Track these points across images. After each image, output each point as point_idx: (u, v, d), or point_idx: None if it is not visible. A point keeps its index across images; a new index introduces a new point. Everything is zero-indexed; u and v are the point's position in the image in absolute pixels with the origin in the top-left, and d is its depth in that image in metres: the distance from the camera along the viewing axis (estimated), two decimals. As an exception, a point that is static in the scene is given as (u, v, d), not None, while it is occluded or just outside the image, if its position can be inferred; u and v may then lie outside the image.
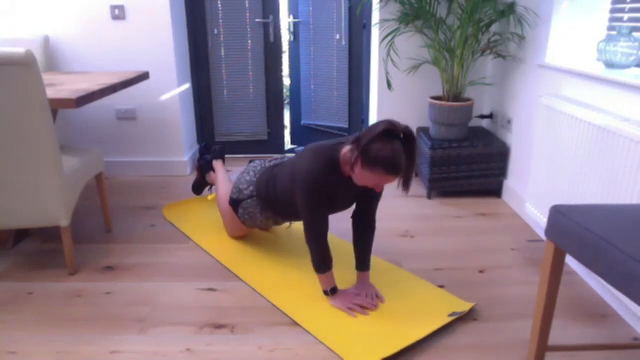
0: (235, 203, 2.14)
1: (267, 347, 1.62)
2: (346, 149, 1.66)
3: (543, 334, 1.34)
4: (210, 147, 2.79)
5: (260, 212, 2.08)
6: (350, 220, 1.93)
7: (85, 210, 2.74)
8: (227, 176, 2.48)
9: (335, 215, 2.58)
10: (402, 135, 1.54)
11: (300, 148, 4.08)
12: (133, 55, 3.06)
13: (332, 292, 1.81)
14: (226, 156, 3.72)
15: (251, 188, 2.08)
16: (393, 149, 1.52)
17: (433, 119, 2.83)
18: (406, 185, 1.60)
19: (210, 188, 2.76)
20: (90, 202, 2.84)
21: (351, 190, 1.80)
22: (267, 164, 2.14)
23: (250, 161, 2.26)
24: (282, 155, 2.18)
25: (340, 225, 2.50)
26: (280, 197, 1.94)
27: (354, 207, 1.93)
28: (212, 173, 2.63)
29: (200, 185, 2.73)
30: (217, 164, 2.60)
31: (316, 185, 1.67)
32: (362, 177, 1.61)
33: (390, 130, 1.53)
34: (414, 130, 3.25)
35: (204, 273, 2.08)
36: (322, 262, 1.77)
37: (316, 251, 1.76)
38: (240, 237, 2.36)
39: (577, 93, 2.12)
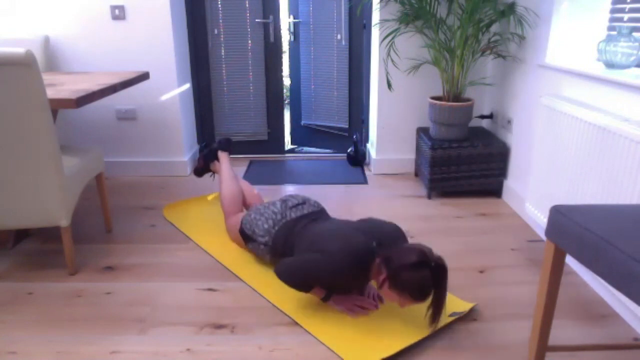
0: (246, 237, 2.08)
1: (267, 347, 1.62)
2: (377, 261, 1.65)
3: (543, 334, 1.34)
4: (210, 147, 2.78)
5: (269, 258, 2.04)
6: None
7: (85, 210, 2.74)
8: (233, 171, 2.44)
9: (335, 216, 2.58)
10: (433, 264, 1.55)
11: (301, 148, 4.08)
12: (133, 55, 3.06)
13: (327, 297, 1.81)
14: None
15: (267, 238, 1.99)
16: (423, 279, 1.54)
17: (433, 119, 2.83)
18: (434, 318, 1.59)
19: (213, 175, 2.71)
20: (90, 202, 2.84)
21: (359, 286, 1.81)
22: (288, 213, 2.01)
23: (268, 204, 2.11)
24: (302, 200, 2.07)
25: (340, 225, 2.50)
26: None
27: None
28: (216, 162, 2.59)
29: (203, 171, 2.68)
30: (223, 156, 2.56)
31: (327, 274, 1.67)
32: (388, 294, 1.62)
33: (422, 261, 1.54)
34: (414, 130, 3.25)
35: (204, 273, 2.08)
36: (302, 288, 1.76)
37: (291, 286, 1.75)
38: None
39: (577, 93, 2.12)
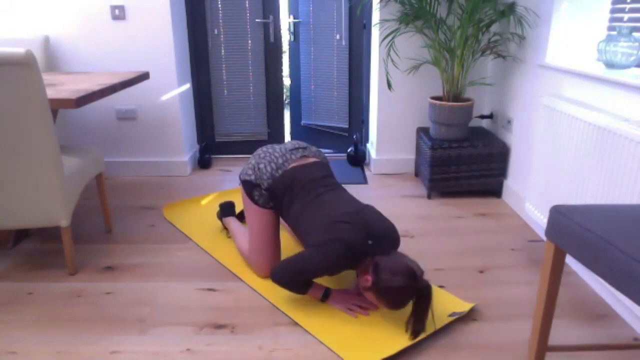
0: (249, 185, 1.96)
1: (267, 347, 1.62)
2: (367, 260, 1.68)
3: (543, 334, 1.34)
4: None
5: (270, 200, 1.96)
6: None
7: (85, 210, 2.74)
8: (243, 228, 2.29)
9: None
10: (419, 287, 1.60)
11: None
12: (133, 55, 3.06)
13: (325, 296, 1.81)
14: (226, 156, 3.72)
15: (270, 181, 1.92)
16: (405, 296, 1.60)
17: (433, 119, 2.83)
18: (415, 333, 1.63)
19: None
20: (90, 202, 2.84)
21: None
22: (289, 156, 1.95)
23: (267, 148, 2.04)
24: (303, 145, 2.04)
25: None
26: (290, 212, 1.88)
27: None
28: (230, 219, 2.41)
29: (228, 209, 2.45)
30: (228, 221, 2.37)
31: (325, 271, 1.70)
32: (366, 292, 1.68)
33: (409, 283, 1.59)
34: (414, 130, 3.25)
35: (204, 273, 2.08)
36: (299, 290, 1.78)
37: (289, 289, 1.77)
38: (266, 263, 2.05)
39: (577, 93, 2.12)
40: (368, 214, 1.76)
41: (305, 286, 1.77)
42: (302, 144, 2.06)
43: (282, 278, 1.73)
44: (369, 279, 1.63)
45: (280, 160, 1.94)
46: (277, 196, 1.92)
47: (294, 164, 1.93)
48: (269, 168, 1.93)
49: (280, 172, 1.92)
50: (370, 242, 1.68)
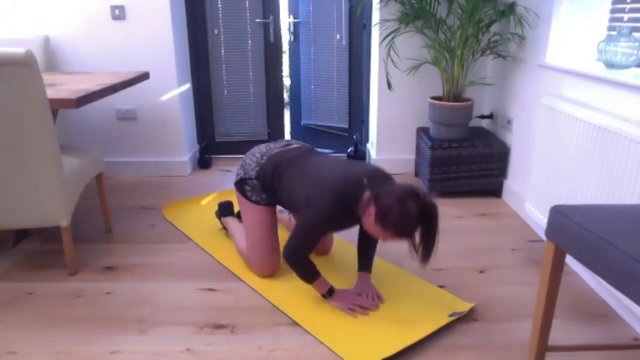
0: (240, 183, 2.00)
1: (267, 347, 1.62)
2: (366, 196, 1.63)
3: (543, 334, 1.34)
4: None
5: (265, 197, 1.99)
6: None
7: (85, 210, 2.74)
8: (242, 228, 2.28)
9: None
10: (423, 205, 1.54)
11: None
12: (133, 55, 3.06)
13: (329, 293, 1.81)
14: (226, 156, 3.72)
15: (257, 169, 1.97)
16: (410, 219, 1.53)
17: (433, 119, 2.83)
18: (424, 258, 1.59)
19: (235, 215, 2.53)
20: (90, 202, 2.84)
21: (356, 222, 1.79)
22: (273, 145, 2.02)
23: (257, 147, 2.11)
24: (288, 141, 2.09)
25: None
26: (282, 191, 1.90)
27: None
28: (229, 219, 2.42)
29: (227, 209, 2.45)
30: (227, 221, 2.37)
31: (325, 223, 1.70)
32: (372, 228, 1.61)
33: (413, 202, 1.53)
34: (414, 130, 3.25)
35: (204, 273, 2.08)
36: (308, 274, 1.78)
37: (299, 269, 1.77)
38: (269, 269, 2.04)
39: (577, 93, 2.12)
40: (357, 161, 1.80)
41: (313, 272, 1.77)
42: (285, 140, 2.12)
43: (294, 252, 1.73)
44: (371, 211, 1.58)
45: (264, 150, 2.01)
46: (267, 184, 1.94)
47: (277, 150, 1.98)
48: (254, 158, 1.99)
49: (265, 158, 1.96)
50: (365, 180, 1.67)
